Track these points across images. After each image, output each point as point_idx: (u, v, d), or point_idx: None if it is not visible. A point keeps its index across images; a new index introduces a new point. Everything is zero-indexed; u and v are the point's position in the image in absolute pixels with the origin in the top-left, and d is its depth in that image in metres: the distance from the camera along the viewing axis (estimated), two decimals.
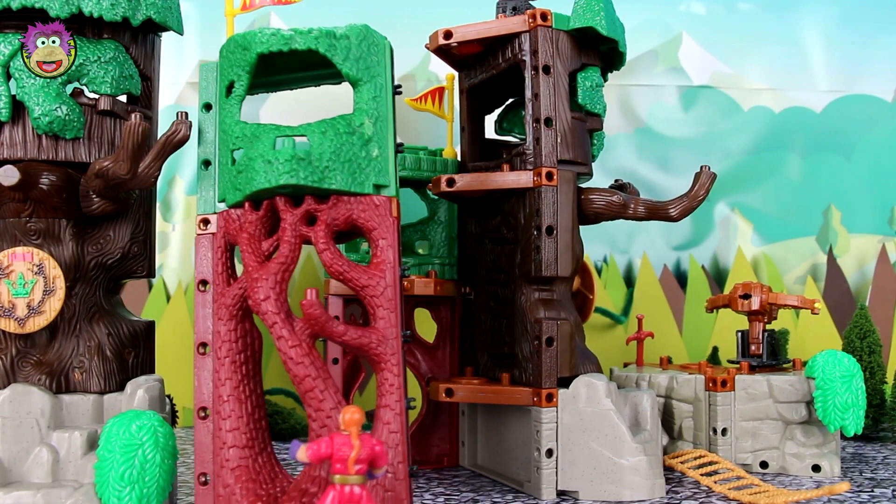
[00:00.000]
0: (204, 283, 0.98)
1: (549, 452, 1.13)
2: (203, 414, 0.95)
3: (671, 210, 1.25)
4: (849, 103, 1.86)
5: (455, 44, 1.24)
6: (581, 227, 1.23)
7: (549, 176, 1.16)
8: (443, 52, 1.29)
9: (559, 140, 1.17)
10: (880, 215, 1.85)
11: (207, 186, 1.01)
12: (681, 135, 1.84)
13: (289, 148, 0.91)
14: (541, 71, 1.17)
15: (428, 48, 1.29)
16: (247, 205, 0.96)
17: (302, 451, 0.76)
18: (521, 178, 1.18)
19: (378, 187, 0.95)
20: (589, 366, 1.20)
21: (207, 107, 1.02)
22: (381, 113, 0.96)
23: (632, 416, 1.18)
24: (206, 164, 1.01)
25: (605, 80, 1.28)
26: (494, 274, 1.27)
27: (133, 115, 0.92)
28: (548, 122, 1.17)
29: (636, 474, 1.11)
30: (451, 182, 1.21)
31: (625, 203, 1.24)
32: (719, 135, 1.85)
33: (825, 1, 1.88)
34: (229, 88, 0.98)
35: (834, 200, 1.85)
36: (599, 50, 1.24)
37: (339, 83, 1.03)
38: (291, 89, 1.15)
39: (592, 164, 1.25)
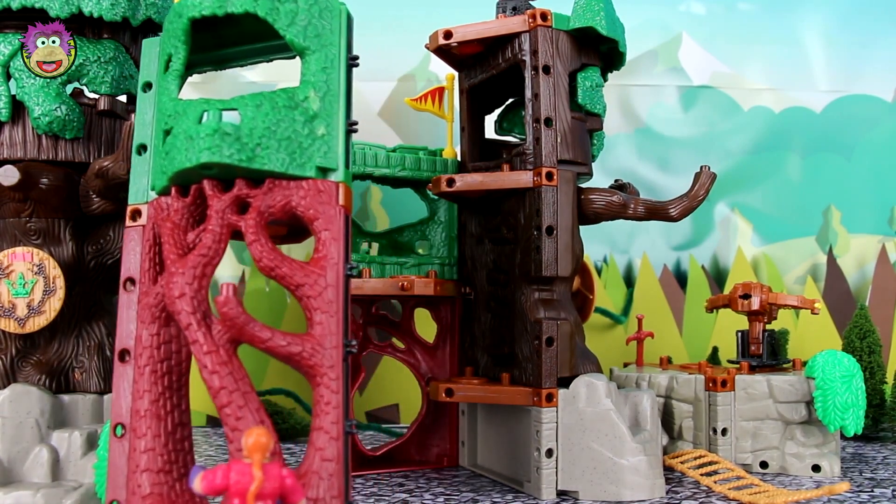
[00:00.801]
0: (131, 281, 0.86)
1: (549, 452, 1.13)
2: (119, 432, 0.83)
3: (671, 210, 1.25)
4: (849, 103, 1.86)
5: (455, 44, 1.24)
6: (581, 227, 1.23)
7: (549, 176, 1.16)
8: (443, 52, 1.29)
9: (559, 140, 1.17)
10: (880, 215, 1.85)
11: (141, 174, 0.89)
12: (681, 135, 1.85)
13: (212, 122, 0.80)
14: (541, 71, 1.17)
15: (428, 48, 1.29)
16: (174, 191, 0.85)
17: (197, 481, 0.66)
18: (521, 178, 1.18)
19: (323, 170, 0.83)
20: (589, 366, 1.20)
21: (147, 86, 0.92)
22: (330, 86, 0.85)
23: (632, 416, 1.18)
24: (142, 148, 0.90)
25: (605, 81, 1.28)
26: (494, 274, 1.27)
27: (132, 116, 0.92)
28: (548, 122, 1.17)
29: (636, 474, 1.11)
30: (451, 182, 1.21)
31: (625, 203, 1.24)
32: (719, 135, 1.85)
33: (825, 1, 1.88)
34: (168, 63, 0.87)
35: (834, 200, 1.85)
36: (599, 50, 1.24)
37: (293, 57, 0.91)
38: (241, 66, 1.04)
39: (592, 164, 1.25)
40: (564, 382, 1.15)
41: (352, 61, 0.88)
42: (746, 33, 1.86)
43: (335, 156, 0.84)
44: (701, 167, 1.26)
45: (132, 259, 0.86)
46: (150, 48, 0.92)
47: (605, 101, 1.25)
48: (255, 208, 0.82)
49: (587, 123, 1.23)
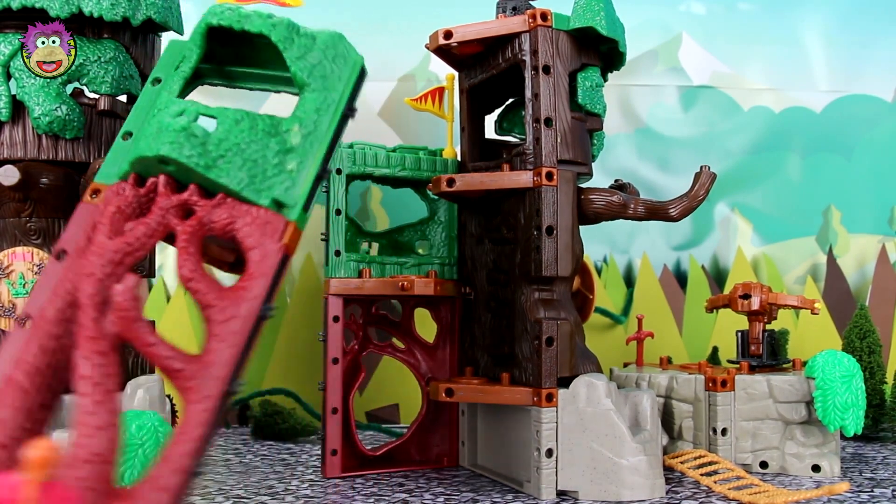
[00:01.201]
0: (64, 252, 0.82)
1: (549, 452, 1.13)
2: None
3: (671, 210, 1.25)
4: (849, 103, 1.86)
5: (455, 44, 1.24)
6: (581, 227, 1.23)
7: (550, 176, 1.16)
8: (443, 52, 1.29)
9: (559, 140, 1.17)
10: (880, 215, 1.85)
11: (116, 159, 0.88)
12: (681, 135, 1.85)
13: (184, 120, 0.80)
14: (541, 71, 1.17)
15: (428, 48, 1.29)
16: (131, 178, 0.84)
17: None
18: (521, 178, 1.18)
19: (278, 204, 0.81)
20: (589, 366, 1.20)
21: (156, 81, 0.92)
22: (318, 127, 0.86)
23: (632, 416, 1.18)
24: (128, 135, 0.89)
25: (606, 80, 1.28)
26: (494, 274, 1.27)
27: None
28: (548, 122, 1.17)
29: (636, 474, 1.11)
30: (451, 182, 1.21)
31: (625, 203, 1.24)
32: (719, 135, 1.85)
33: (825, 1, 1.88)
34: (180, 64, 0.90)
35: (834, 200, 1.85)
36: (599, 50, 1.24)
37: (297, 93, 0.93)
38: (251, 89, 1.04)
39: (592, 164, 1.25)
40: (565, 382, 1.15)
41: (349, 111, 0.89)
42: (746, 33, 1.86)
43: (296, 194, 0.82)
44: (701, 167, 1.26)
45: (74, 232, 0.83)
46: (174, 47, 0.92)
47: (605, 101, 1.24)
48: (198, 217, 0.80)
49: (587, 123, 1.23)
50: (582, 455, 1.12)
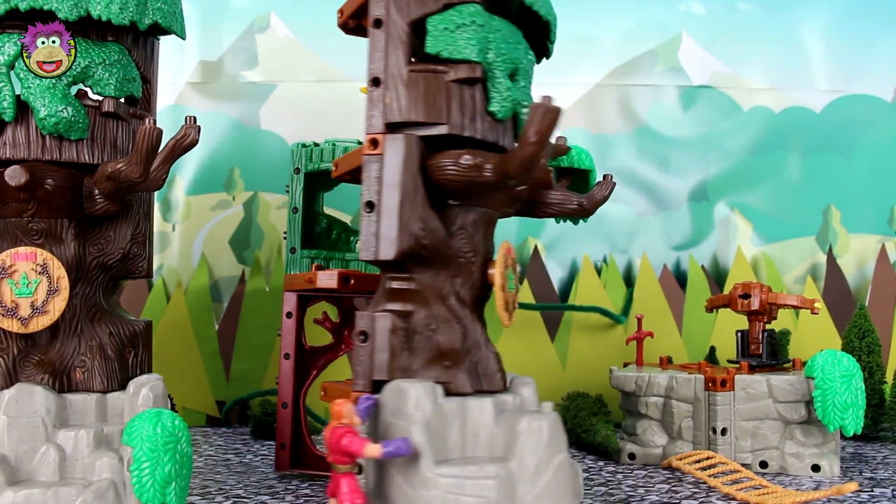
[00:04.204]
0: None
1: (360, 469, 0.90)
2: None
3: (509, 164, 0.96)
4: (849, 103, 1.87)
5: (351, 22, 1.06)
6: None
7: (374, 143, 0.96)
8: (354, 31, 1.08)
9: (389, 101, 0.96)
10: (880, 215, 1.85)
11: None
12: (681, 135, 1.85)
13: None
14: (371, 26, 0.97)
15: (341, 29, 1.09)
16: None
17: None
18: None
19: None
20: (439, 372, 0.94)
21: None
22: None
23: (485, 443, 0.89)
24: None
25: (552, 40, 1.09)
26: None
27: (147, 119, 0.92)
28: (375, 81, 0.97)
29: None
30: (336, 166, 1.08)
31: (478, 164, 0.96)
32: (719, 135, 1.85)
33: (825, 1, 1.88)
34: None
35: (834, 200, 1.85)
36: None
37: None
38: None
39: (473, 120, 0.97)
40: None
41: None
42: (746, 33, 1.87)
43: None
44: (532, 103, 0.90)
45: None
46: None
47: (479, 42, 0.95)
48: None
49: (451, 73, 0.97)
50: (383, 476, 0.88)
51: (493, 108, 0.97)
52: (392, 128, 0.95)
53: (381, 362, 0.93)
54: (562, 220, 1.18)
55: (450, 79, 0.96)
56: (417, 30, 0.96)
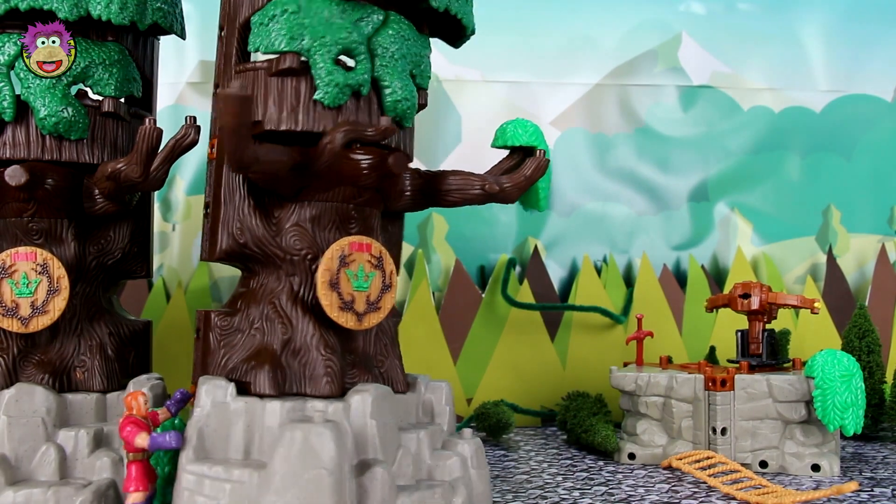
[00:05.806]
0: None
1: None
2: None
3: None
4: (849, 103, 1.87)
5: None
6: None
7: (212, 146, 0.97)
8: None
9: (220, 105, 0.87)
10: (880, 215, 1.85)
11: None
12: (681, 135, 1.85)
13: None
14: (218, 34, 0.98)
15: None
16: None
17: None
18: None
19: None
20: (245, 372, 0.91)
21: None
22: None
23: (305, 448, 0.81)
24: None
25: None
26: None
27: (147, 119, 0.92)
28: (216, 86, 0.98)
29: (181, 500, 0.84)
30: None
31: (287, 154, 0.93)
32: (719, 135, 1.85)
33: (825, 1, 1.88)
34: None
35: (834, 200, 1.85)
36: None
37: None
38: None
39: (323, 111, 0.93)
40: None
41: None
42: (746, 33, 1.87)
43: None
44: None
45: None
46: None
47: (290, 30, 0.90)
48: None
49: (277, 65, 0.92)
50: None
51: (318, 95, 0.92)
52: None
53: (201, 358, 0.95)
54: (532, 210, 1.09)
55: (270, 73, 0.92)
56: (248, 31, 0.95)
